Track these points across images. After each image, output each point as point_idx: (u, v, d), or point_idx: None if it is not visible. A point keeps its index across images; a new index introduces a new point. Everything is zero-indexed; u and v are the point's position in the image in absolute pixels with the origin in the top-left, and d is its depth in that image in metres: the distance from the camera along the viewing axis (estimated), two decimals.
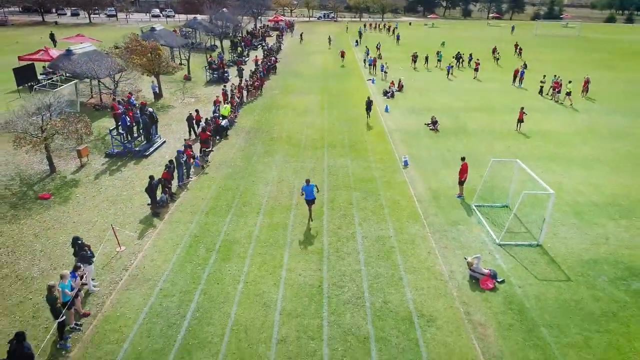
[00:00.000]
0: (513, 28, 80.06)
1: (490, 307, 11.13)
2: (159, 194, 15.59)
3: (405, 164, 19.65)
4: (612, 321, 10.72)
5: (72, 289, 10.03)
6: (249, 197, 16.72)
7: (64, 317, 9.79)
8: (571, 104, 29.72)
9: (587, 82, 31.83)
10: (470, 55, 43.35)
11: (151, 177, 15.05)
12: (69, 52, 25.09)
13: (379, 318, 10.71)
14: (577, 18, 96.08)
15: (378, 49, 48.69)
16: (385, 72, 37.75)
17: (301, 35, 63.25)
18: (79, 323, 10.44)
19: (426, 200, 16.59)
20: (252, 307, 11.06)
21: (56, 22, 73.24)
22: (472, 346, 9.93)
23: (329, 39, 58.06)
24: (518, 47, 50.43)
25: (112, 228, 13.39)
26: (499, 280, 11.98)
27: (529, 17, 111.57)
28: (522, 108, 24.20)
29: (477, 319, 10.72)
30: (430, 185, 17.80)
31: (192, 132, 22.60)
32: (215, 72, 35.93)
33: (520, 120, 24.05)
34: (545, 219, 13.63)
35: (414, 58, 42.96)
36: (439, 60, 43.22)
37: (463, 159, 16.44)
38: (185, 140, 19.41)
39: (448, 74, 38.46)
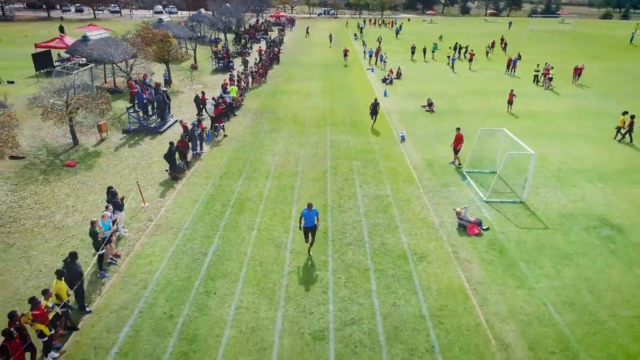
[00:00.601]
0: (510, 24, 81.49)
1: (475, 247, 12.63)
2: (176, 160, 17.05)
3: (402, 138, 21.13)
4: (582, 258, 12.21)
5: (109, 229, 11.51)
6: (258, 165, 18.21)
7: (104, 250, 11.27)
8: (551, 88, 31.49)
9: (576, 69, 33.32)
10: (467, 47, 44.83)
11: (171, 144, 16.55)
12: (85, 38, 26.55)
13: (377, 255, 12.21)
14: (573, 15, 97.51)
15: (379, 42, 50.12)
16: (384, 62, 39.23)
17: (307, 29, 65.04)
18: (114, 259, 11.92)
19: (421, 168, 18.08)
20: (265, 247, 12.55)
21: (62, 18, 74.62)
22: (458, 276, 11.42)
23: (330, 36, 57.28)
24: (503, 42, 51.23)
25: (138, 185, 14.88)
26: (484, 227, 13.47)
27: (526, 15, 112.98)
28: (512, 90, 25.71)
29: (463, 256, 12.22)
30: (425, 156, 19.29)
31: (200, 111, 24.05)
32: (221, 62, 37.42)
33: (510, 102, 25.53)
34: (527, 178, 15.13)
35: (412, 50, 44.44)
36: (433, 52, 44.70)
37: (458, 129, 17.94)
38: (180, 122, 20.47)
39: (452, 67, 39.21)
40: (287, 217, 14.10)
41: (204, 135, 19.92)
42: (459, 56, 44.56)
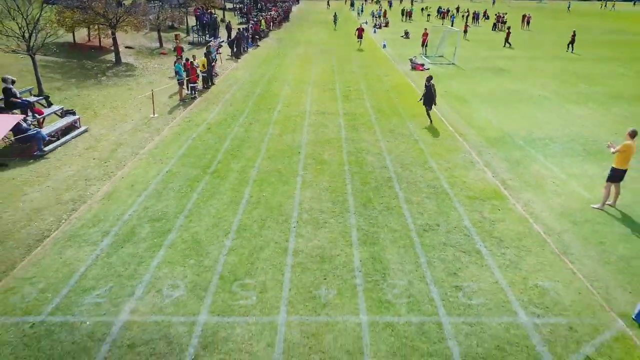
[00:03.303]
0: (494, 1, 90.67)
1: (418, 74, 22.07)
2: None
3: (384, 46, 30.49)
4: (479, 79, 21.59)
5: (215, 51, 20.83)
6: (286, 55, 27.63)
7: (214, 62, 20.61)
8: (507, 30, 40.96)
9: (524, 17, 42.73)
10: (440, 7, 54.30)
11: (238, 30, 25.89)
12: None
13: (367, 88, 21.59)
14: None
15: (380, 8, 59.42)
16: (377, 17, 48.56)
17: (328, 2, 73.60)
18: (216, 74, 21.27)
19: (394, 56, 27.49)
20: (299, 77, 21.94)
21: None
22: (406, 80, 20.80)
23: (335, 16, 47.56)
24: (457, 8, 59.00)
25: (217, 49, 24.23)
26: (426, 68, 22.90)
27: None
28: (466, 22, 35.07)
29: (411, 75, 21.64)
30: (398, 52, 28.69)
31: (229, 34, 33.20)
32: (245, 16, 46.70)
33: (465, 31, 34.87)
34: (455, 47, 24.55)
35: (402, 12, 53.71)
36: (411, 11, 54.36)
37: (425, 29, 27.31)
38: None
39: (452, 24, 47.69)
40: (309, 71, 23.50)
41: (247, 42, 29.22)
42: (438, 16, 53.92)
